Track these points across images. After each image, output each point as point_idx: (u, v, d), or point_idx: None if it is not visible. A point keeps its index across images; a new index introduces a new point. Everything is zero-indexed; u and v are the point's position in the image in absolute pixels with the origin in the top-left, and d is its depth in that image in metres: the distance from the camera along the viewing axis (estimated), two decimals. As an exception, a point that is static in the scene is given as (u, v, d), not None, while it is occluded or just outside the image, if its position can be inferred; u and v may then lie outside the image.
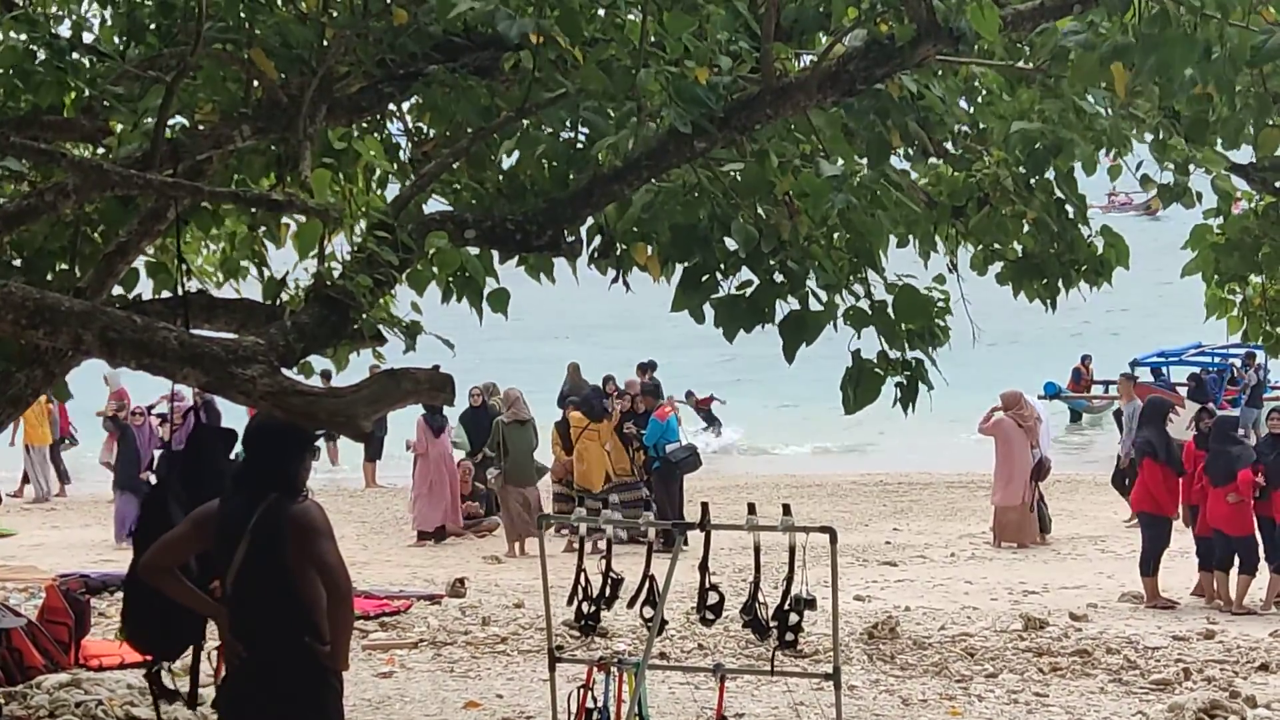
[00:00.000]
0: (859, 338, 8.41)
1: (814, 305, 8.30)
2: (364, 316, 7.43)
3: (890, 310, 8.38)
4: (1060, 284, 9.93)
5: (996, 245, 9.89)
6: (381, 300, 7.86)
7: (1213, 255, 11.47)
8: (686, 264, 8.28)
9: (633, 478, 22.05)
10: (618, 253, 8.69)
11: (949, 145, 9.49)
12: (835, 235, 8.45)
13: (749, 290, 8.24)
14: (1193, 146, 9.51)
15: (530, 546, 21.24)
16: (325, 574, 7.51)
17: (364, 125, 9.21)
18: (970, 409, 23.59)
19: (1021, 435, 21.82)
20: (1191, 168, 9.79)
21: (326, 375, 15.48)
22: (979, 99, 9.54)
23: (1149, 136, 9.56)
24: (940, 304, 8.62)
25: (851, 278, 8.49)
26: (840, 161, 8.48)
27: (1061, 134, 9.10)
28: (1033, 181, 9.51)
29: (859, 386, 8.31)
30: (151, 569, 7.69)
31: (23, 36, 8.00)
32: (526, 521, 21.46)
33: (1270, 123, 9.13)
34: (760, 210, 8.21)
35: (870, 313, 8.39)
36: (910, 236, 9.59)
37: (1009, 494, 21.74)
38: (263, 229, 9.72)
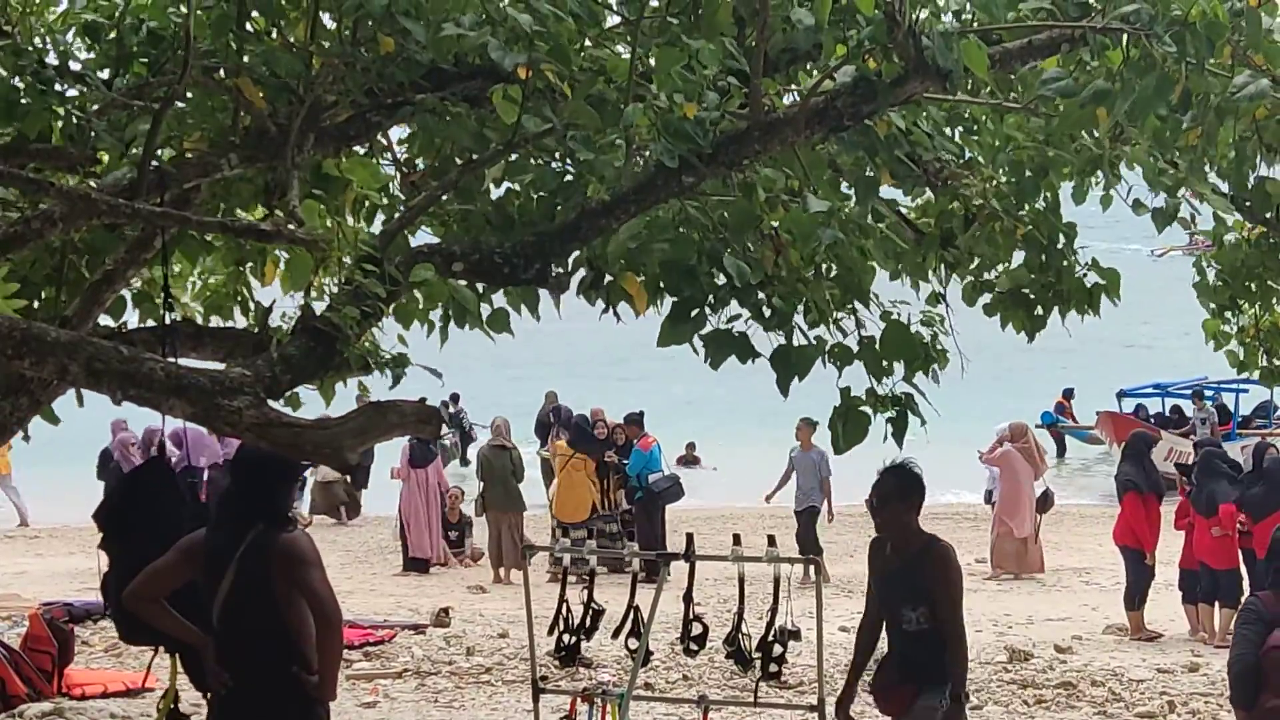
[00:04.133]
0: (840, 376, 8.39)
1: (800, 341, 8.29)
2: (350, 348, 7.42)
3: (878, 345, 8.38)
4: (1047, 314, 9.92)
5: (987, 269, 9.89)
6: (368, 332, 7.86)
7: (1209, 284, 11.47)
8: (675, 299, 8.27)
9: (606, 511, 22.05)
10: (605, 284, 8.69)
11: (943, 169, 9.50)
12: (824, 268, 8.45)
13: (736, 325, 8.24)
14: (1185, 174, 9.53)
15: (514, 575, 21.25)
16: (315, 603, 7.50)
17: (352, 154, 9.21)
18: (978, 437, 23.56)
19: (1027, 467, 21.83)
20: (1182, 193, 9.81)
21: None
22: (965, 128, 9.57)
23: (1139, 167, 9.58)
24: (934, 328, 8.63)
25: (840, 313, 8.48)
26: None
27: (1048, 154, 9.13)
28: (1022, 212, 9.52)
29: (847, 425, 8.29)
30: (137, 598, 7.65)
31: (6, 72, 7.99)
32: (510, 551, 21.48)
33: (1273, 174, 9.20)
34: (749, 245, 8.22)
35: (856, 350, 8.39)
36: (900, 269, 9.59)
37: (1016, 525, 21.74)
38: (249, 265, 9.70)
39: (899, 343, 8.37)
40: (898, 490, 8.85)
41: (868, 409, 8.30)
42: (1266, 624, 7.87)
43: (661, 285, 8.43)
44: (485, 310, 8.74)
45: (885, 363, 8.39)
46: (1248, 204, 10.40)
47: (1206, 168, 9.12)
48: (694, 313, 8.18)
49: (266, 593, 7.47)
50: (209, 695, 7.77)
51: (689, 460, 39.54)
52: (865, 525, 27.99)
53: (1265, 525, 16.65)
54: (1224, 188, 9.84)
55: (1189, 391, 38.43)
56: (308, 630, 7.55)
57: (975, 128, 9.52)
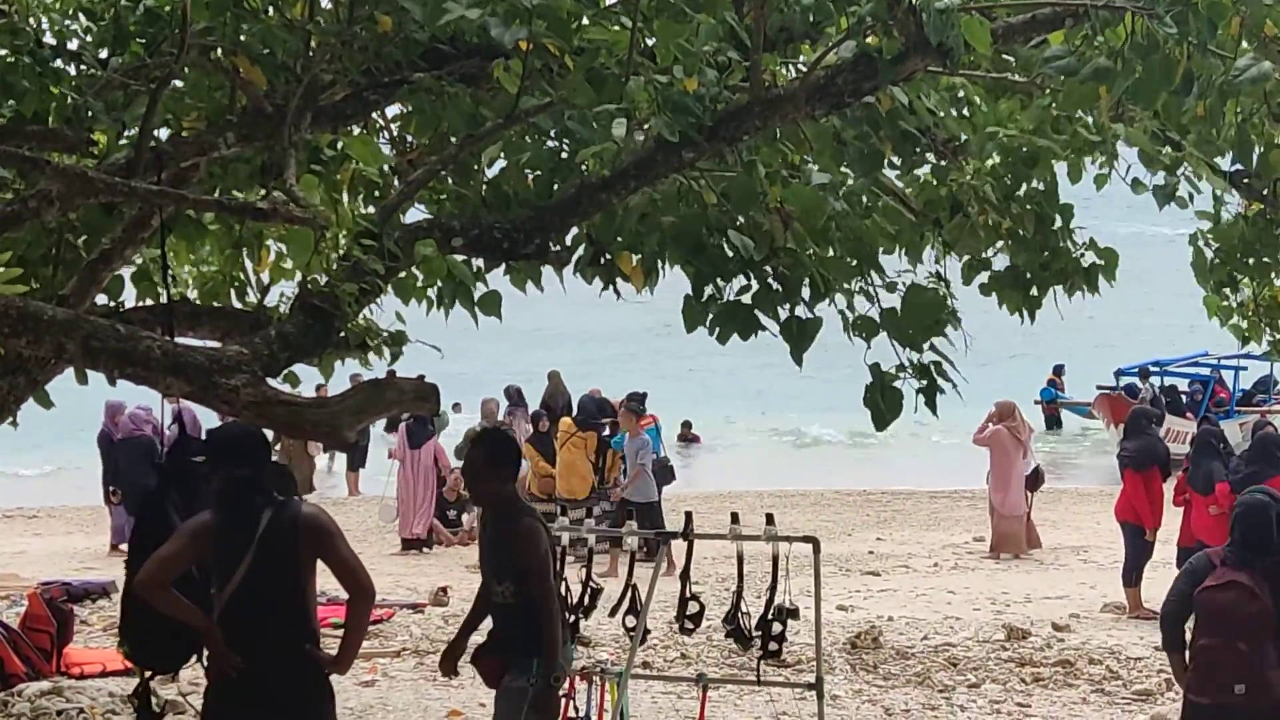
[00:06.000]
0: (870, 348, 8.36)
1: (804, 314, 8.28)
2: (349, 325, 7.42)
3: (900, 312, 8.35)
4: (1042, 294, 9.91)
5: (973, 255, 9.89)
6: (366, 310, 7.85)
7: (1206, 260, 11.47)
8: (691, 276, 8.25)
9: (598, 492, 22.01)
10: (603, 262, 8.69)
11: (932, 155, 9.49)
12: (832, 245, 8.44)
13: (745, 297, 8.23)
14: (1183, 153, 9.52)
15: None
16: (346, 573, 7.53)
17: (350, 132, 9.20)
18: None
19: (1016, 445, 21.83)
20: (1181, 170, 9.80)
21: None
22: (961, 111, 9.56)
23: (1135, 149, 9.57)
24: (945, 292, 8.64)
25: (854, 283, 8.46)
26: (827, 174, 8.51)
27: (1038, 143, 9.11)
28: (1019, 193, 9.51)
29: (885, 399, 8.25)
30: (148, 585, 7.55)
31: (3, 51, 7.97)
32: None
33: (1277, 143, 9.19)
34: (755, 219, 8.21)
35: (879, 320, 8.37)
36: (897, 247, 9.58)
37: (1008, 504, 21.75)
38: (245, 250, 9.68)
39: (924, 306, 8.33)
40: (488, 459, 8.50)
41: (899, 383, 8.28)
42: (1199, 574, 8.55)
43: (661, 264, 8.42)
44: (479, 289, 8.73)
45: (913, 329, 8.36)
46: (1246, 180, 10.39)
47: (1215, 139, 9.09)
48: (708, 287, 8.18)
49: (290, 569, 7.44)
50: (211, 678, 7.70)
51: (687, 439, 39.63)
52: (863, 505, 28.21)
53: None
54: (1226, 165, 9.83)
55: (1185, 369, 38.45)
56: (315, 606, 7.58)
57: (971, 110, 9.52)
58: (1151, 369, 37.52)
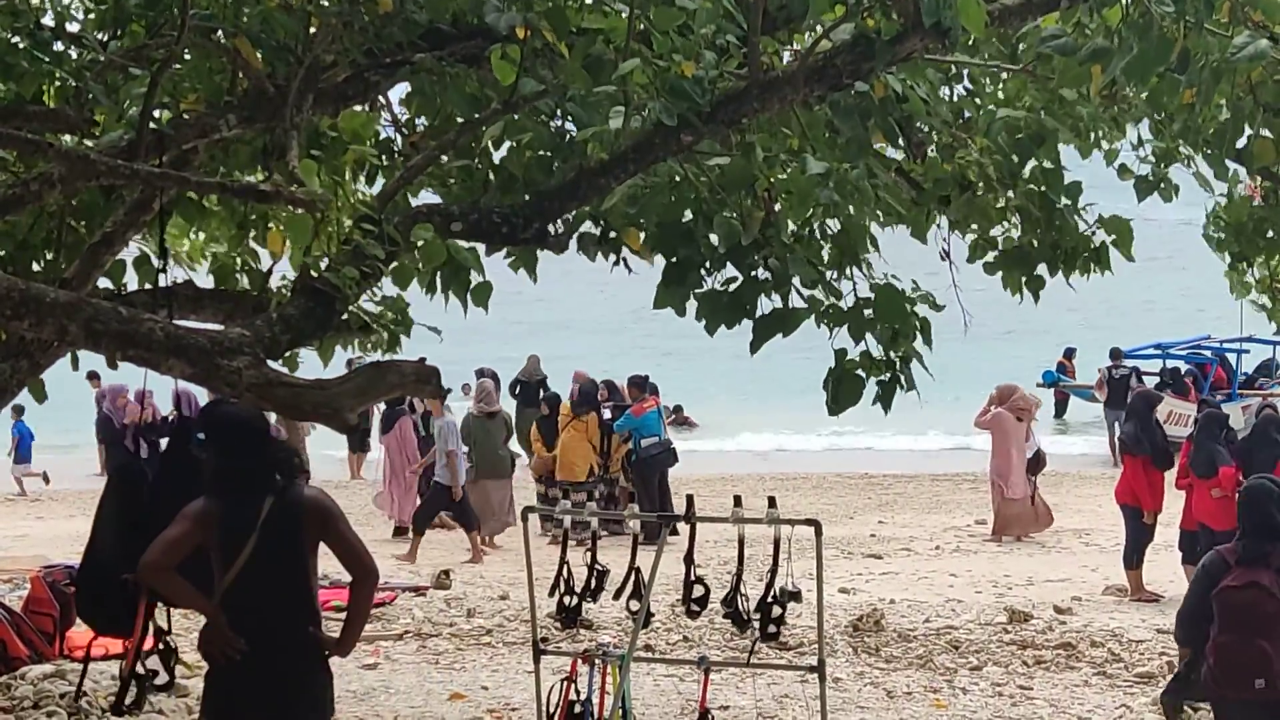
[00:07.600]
0: (832, 336, 8.38)
1: (796, 302, 8.28)
2: (350, 308, 7.42)
3: (870, 309, 8.36)
4: (1049, 274, 9.90)
5: (978, 232, 9.88)
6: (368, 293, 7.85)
7: (1220, 237, 11.45)
8: (671, 259, 8.25)
9: (602, 473, 22.04)
10: (609, 237, 8.67)
11: (933, 138, 9.47)
12: (823, 232, 8.44)
13: (732, 286, 8.22)
14: (1176, 137, 9.51)
15: (499, 540, 21.29)
16: (350, 554, 7.53)
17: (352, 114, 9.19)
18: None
19: (1019, 428, 21.80)
20: (1180, 153, 9.79)
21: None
22: (964, 88, 9.55)
23: (1132, 129, 9.56)
24: (917, 304, 8.61)
25: (837, 273, 8.46)
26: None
27: (1045, 123, 9.10)
28: (1025, 171, 9.50)
29: (842, 387, 8.28)
30: (153, 569, 7.52)
31: (3, 32, 7.95)
32: (495, 517, 21.50)
33: (1263, 133, 9.17)
34: (745, 204, 8.21)
35: (847, 311, 8.37)
36: (903, 226, 9.56)
37: (1010, 487, 21.74)
38: (251, 233, 9.67)
39: (890, 307, 8.35)
40: None
41: (861, 373, 8.29)
42: (1214, 572, 8.73)
43: (655, 247, 8.42)
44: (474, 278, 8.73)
45: (880, 326, 8.36)
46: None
47: (1199, 129, 9.09)
48: (688, 274, 8.17)
49: (294, 552, 7.44)
50: (213, 661, 7.70)
51: (680, 422, 39.73)
52: (864, 487, 28.21)
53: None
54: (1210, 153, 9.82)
55: (1187, 352, 38.35)
56: (317, 589, 7.58)
57: (975, 88, 9.50)
58: (1122, 351, 37.43)
